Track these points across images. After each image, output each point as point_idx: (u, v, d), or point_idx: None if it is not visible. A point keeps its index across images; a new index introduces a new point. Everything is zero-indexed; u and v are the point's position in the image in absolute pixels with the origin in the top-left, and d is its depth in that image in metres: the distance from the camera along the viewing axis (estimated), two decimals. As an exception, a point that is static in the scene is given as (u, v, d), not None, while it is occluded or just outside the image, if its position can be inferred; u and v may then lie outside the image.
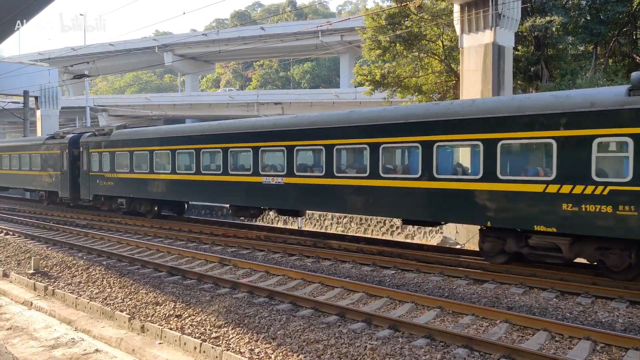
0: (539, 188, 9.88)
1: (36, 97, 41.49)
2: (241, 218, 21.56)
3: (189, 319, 8.59)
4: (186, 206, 22.77)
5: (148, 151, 19.24)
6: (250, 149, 15.47)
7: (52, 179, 25.26)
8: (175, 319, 8.68)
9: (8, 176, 30.12)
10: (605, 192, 9.18)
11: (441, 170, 11.48)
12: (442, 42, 24.53)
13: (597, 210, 9.23)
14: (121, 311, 9.32)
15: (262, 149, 15.15)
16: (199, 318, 8.54)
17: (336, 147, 13.33)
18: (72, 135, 24.50)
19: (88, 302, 9.97)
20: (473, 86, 19.24)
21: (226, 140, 16.27)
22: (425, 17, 23.86)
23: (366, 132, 12.71)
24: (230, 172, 16.08)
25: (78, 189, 23.58)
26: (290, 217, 23.03)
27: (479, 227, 11.54)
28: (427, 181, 11.58)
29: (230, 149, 16.14)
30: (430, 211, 11.77)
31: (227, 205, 20.78)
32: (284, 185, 14.53)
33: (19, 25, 20.53)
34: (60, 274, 12.36)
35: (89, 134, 22.94)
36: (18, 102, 42.56)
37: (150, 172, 19.12)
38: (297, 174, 14.21)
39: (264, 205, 15.95)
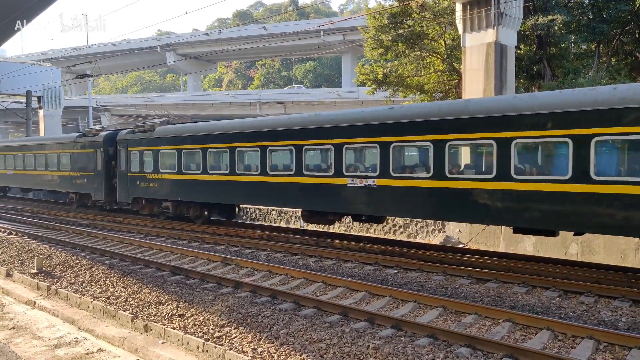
0: None
1: (39, 97, 41.56)
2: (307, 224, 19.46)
3: (192, 318, 8.60)
4: (237, 209, 20.89)
5: (200, 149, 17.26)
6: (331, 147, 13.51)
7: (84, 180, 23.30)
8: (178, 318, 8.70)
9: (32, 177, 27.98)
10: None
11: None
12: (445, 41, 24.50)
13: None
14: (124, 310, 9.34)
15: (347, 146, 13.22)
16: (202, 317, 8.55)
17: (449, 143, 11.30)
18: (106, 132, 22.48)
19: (91, 302, 9.99)
20: (475, 85, 19.22)
21: (300, 136, 14.27)
22: (428, 16, 23.83)
23: (492, 125, 10.69)
24: (305, 173, 14.09)
25: (113, 191, 21.62)
26: (293, 217, 22.97)
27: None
28: None
29: (306, 147, 14.13)
30: None
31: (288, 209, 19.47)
32: (376, 188, 12.63)
33: (19, 25, 20.50)
34: (63, 274, 12.39)
35: (127, 130, 20.91)
36: (21, 102, 42.61)
37: (203, 173, 17.14)
38: (394, 175, 12.24)
39: (347, 210, 13.87)
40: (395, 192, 12.28)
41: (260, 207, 22.35)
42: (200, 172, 17.27)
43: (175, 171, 18.20)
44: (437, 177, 11.42)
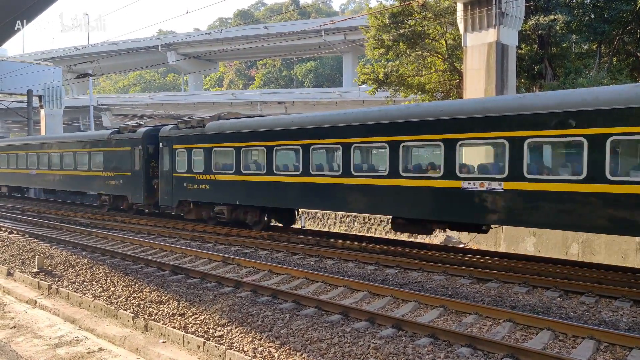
0: None
1: (40, 97, 41.58)
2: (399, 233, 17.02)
3: (193, 317, 8.60)
4: (297, 214, 18.89)
5: (265, 147, 15.30)
6: (440, 143, 11.47)
7: (119, 182, 21.19)
8: (178, 317, 8.70)
9: (58, 178, 25.77)
10: None
11: None
12: (446, 40, 24.50)
13: None
14: (125, 310, 9.35)
15: (461, 142, 11.16)
16: (203, 317, 8.55)
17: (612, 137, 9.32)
18: (146, 128, 20.53)
19: (92, 301, 10.00)
20: (476, 85, 19.23)
21: (396, 131, 12.27)
22: (429, 15, 23.84)
23: None
24: (403, 175, 12.13)
25: (153, 193, 19.87)
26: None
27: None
28: None
29: (404, 143, 12.16)
30: None
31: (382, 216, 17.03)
32: (503, 193, 10.60)
33: (19, 25, 20.47)
34: (64, 273, 12.40)
35: (171, 126, 19.01)
36: (22, 102, 42.63)
37: (268, 174, 15.20)
38: (528, 177, 10.25)
39: (462, 218, 11.66)
40: (536, 198, 10.16)
41: (339, 212, 19.79)
42: (264, 172, 15.34)
43: (232, 171, 16.30)
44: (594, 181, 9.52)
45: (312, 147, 14.22)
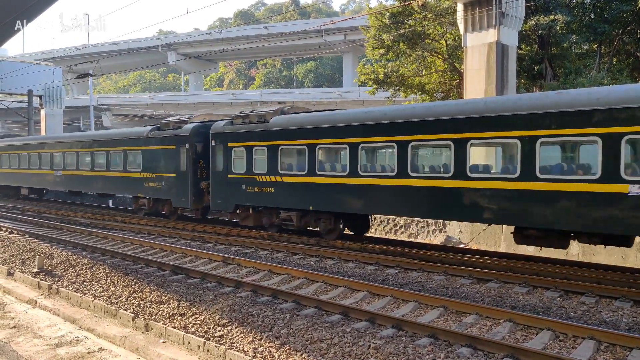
0: None
1: (40, 97, 41.62)
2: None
3: (193, 317, 8.60)
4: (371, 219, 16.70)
5: (348, 144, 13.31)
6: (597, 139, 9.55)
7: (161, 184, 19.13)
8: (179, 317, 8.70)
9: (87, 179, 23.52)
10: None
11: None
12: (446, 41, 24.51)
13: None
14: (125, 310, 9.35)
15: (629, 137, 9.28)
16: (203, 317, 8.55)
17: None
18: (193, 124, 18.35)
19: (92, 301, 10.00)
20: (476, 85, 19.23)
21: (533, 124, 10.25)
22: (429, 15, 23.84)
23: None
24: (541, 177, 10.16)
25: (202, 197, 18.07)
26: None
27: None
28: None
29: (543, 139, 10.13)
30: None
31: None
32: None
33: (19, 25, 20.41)
34: (64, 273, 12.40)
35: (225, 122, 17.04)
36: (22, 102, 42.66)
37: (351, 175, 13.25)
38: None
39: (627, 230, 9.58)
40: None
41: (448, 221, 16.92)
42: (346, 173, 13.37)
43: (304, 172, 14.35)
44: None
45: (412, 144, 12.09)
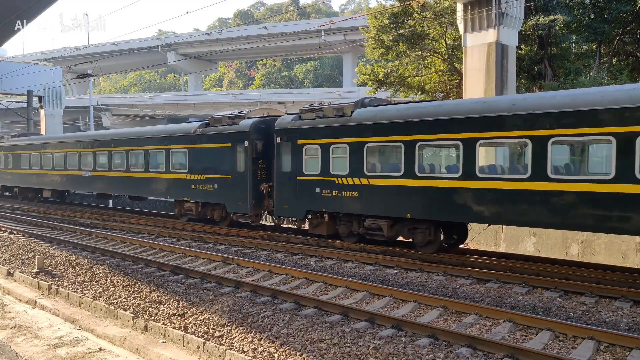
0: None
1: (40, 97, 41.61)
2: None
3: (193, 317, 8.60)
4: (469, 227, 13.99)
5: (462, 141, 11.22)
6: None
7: (213, 186, 17.15)
8: (178, 317, 8.70)
9: (122, 180, 21.47)
10: None
11: None
12: (445, 41, 24.53)
13: None
14: (125, 310, 9.35)
15: None
16: (203, 317, 8.55)
17: None
18: (253, 120, 16.37)
19: (92, 301, 10.00)
20: (476, 85, 19.24)
21: None
22: (429, 16, 23.86)
23: None
24: None
25: (262, 201, 16.14)
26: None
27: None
28: None
29: None
30: None
31: None
32: None
33: (19, 25, 20.36)
34: (64, 273, 12.40)
35: (292, 116, 15.19)
36: (22, 102, 42.66)
37: (466, 177, 11.22)
38: None
39: None
40: None
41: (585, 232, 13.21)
42: (458, 175, 11.36)
43: (399, 174, 12.37)
44: None
45: (554, 139, 10.09)
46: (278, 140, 15.17)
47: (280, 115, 16.59)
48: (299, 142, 14.58)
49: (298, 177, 14.62)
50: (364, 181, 13.12)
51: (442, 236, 12.84)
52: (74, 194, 31.80)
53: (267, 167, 16.11)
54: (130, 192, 22.27)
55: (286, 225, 15.50)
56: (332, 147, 13.82)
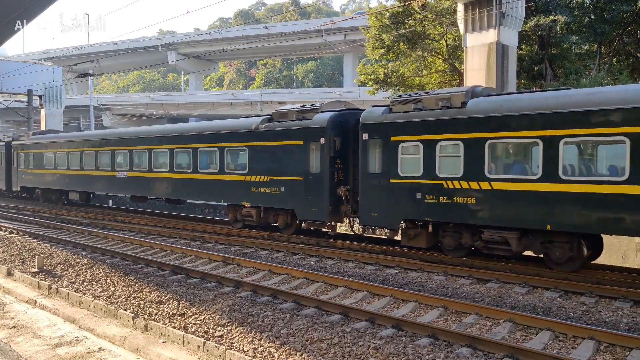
0: None
1: (40, 96, 41.61)
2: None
3: (193, 317, 8.61)
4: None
5: (629, 136, 9.35)
6: None
7: (279, 189, 15.08)
8: (178, 317, 8.71)
9: (163, 182, 19.47)
10: None
11: None
12: (446, 41, 24.52)
13: None
14: (125, 310, 9.35)
15: None
16: (203, 317, 8.55)
17: None
18: (330, 113, 14.36)
19: (92, 301, 10.00)
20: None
21: None
22: (429, 16, 23.85)
23: None
24: None
25: (339, 206, 14.18)
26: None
27: None
28: None
29: None
30: None
31: None
32: None
33: (19, 25, 20.31)
34: (64, 273, 12.40)
35: (382, 109, 12.98)
36: (22, 101, 42.68)
37: (636, 180, 9.24)
38: None
39: None
40: None
41: None
42: (624, 179, 9.38)
43: (536, 176, 10.35)
44: None
45: None
46: (364, 136, 13.05)
47: (357, 109, 14.92)
48: (393, 138, 12.50)
49: (391, 180, 12.53)
50: (484, 185, 11.05)
51: (585, 251, 10.63)
52: (101, 196, 29.99)
53: (344, 168, 14.28)
54: (173, 195, 19.88)
55: (370, 235, 13.75)
56: (439, 144, 11.68)
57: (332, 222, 14.45)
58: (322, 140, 14.05)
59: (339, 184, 14.14)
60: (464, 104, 11.50)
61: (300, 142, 14.63)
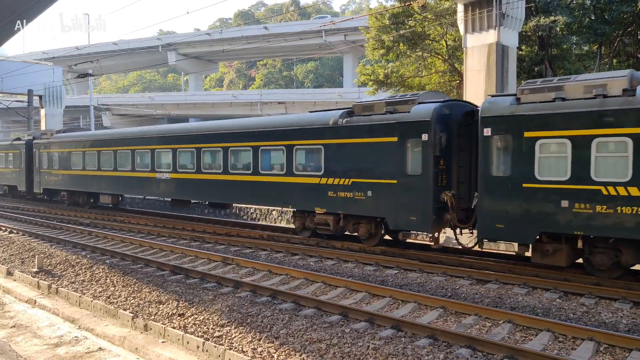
0: None
1: (40, 96, 41.63)
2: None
3: (192, 317, 8.60)
4: None
5: None
6: None
7: (365, 194, 13.13)
8: (178, 317, 8.70)
9: (213, 184, 17.55)
10: None
11: None
12: (446, 41, 24.51)
13: None
14: (124, 310, 9.35)
15: None
16: (202, 317, 8.55)
17: None
18: (434, 105, 12.29)
19: (91, 301, 10.00)
20: (477, 86, 19.21)
21: None
22: (429, 16, 23.85)
23: None
24: None
25: (443, 215, 12.30)
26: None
27: None
28: None
29: None
30: None
31: None
32: None
33: (19, 25, 20.28)
34: (63, 273, 12.40)
35: (510, 99, 10.97)
36: (22, 101, 42.69)
37: None
38: None
39: None
40: None
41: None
42: None
43: None
44: None
45: None
46: (486, 132, 11.02)
47: (460, 100, 12.97)
48: (527, 134, 10.50)
49: (524, 185, 10.52)
50: None
51: None
52: (128, 199, 28.04)
53: (448, 170, 12.38)
54: (225, 199, 18.02)
55: (491, 250, 12.00)
56: (595, 141, 9.69)
57: (436, 233, 12.63)
58: (425, 137, 12.03)
59: (442, 189, 12.20)
60: (627, 91, 9.52)
61: (394, 139, 12.64)
